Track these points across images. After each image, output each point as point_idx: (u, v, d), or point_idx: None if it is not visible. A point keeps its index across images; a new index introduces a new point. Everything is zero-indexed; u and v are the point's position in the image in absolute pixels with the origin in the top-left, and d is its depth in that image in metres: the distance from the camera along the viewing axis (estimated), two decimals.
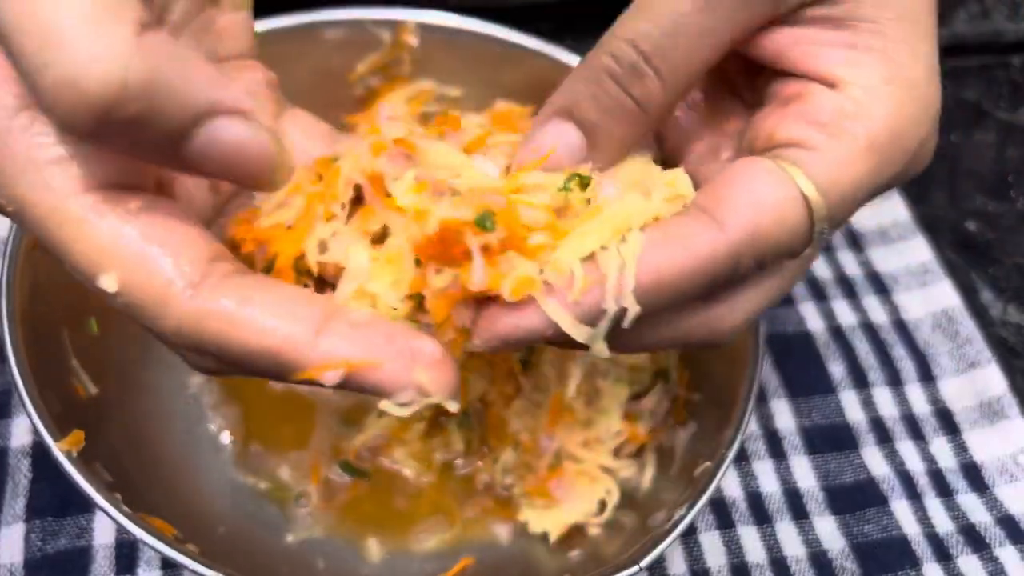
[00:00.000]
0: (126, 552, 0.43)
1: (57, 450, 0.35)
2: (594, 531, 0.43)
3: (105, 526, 0.44)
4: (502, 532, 0.45)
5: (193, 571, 0.34)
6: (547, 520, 0.43)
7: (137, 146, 0.24)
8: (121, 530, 0.44)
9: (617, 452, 0.45)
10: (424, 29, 0.48)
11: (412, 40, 0.48)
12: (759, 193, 0.29)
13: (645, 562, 0.36)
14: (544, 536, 0.43)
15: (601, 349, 0.29)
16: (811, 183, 0.29)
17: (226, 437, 0.46)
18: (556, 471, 0.44)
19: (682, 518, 0.37)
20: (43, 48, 0.22)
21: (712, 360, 0.45)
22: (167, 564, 0.43)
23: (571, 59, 0.48)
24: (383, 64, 0.49)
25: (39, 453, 0.45)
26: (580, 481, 0.44)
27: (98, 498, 0.35)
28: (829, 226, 0.30)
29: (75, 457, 0.35)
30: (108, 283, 0.26)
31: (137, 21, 0.23)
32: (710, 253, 0.28)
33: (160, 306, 0.26)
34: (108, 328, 0.42)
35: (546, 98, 0.32)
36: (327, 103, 0.42)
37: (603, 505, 0.44)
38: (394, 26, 0.48)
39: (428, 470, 0.46)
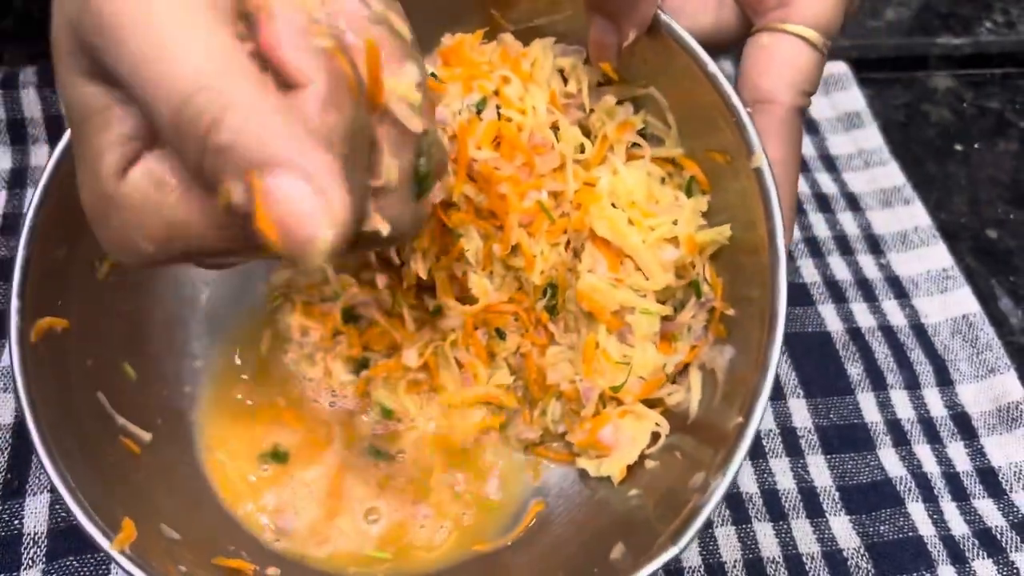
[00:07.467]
0: None
1: (117, 555, 0.34)
2: (651, 463, 0.43)
3: None
4: (566, 476, 0.45)
5: None
6: (605, 466, 0.43)
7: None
8: None
9: None
10: None
11: None
12: (781, 65, 0.40)
13: (683, 541, 0.35)
14: (606, 477, 0.43)
15: None
16: (804, 27, 0.39)
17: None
18: (602, 418, 0.43)
19: (719, 485, 0.36)
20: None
21: (739, 271, 0.42)
22: None
23: None
24: None
25: None
26: (627, 421, 0.43)
27: None
28: (828, 40, 0.40)
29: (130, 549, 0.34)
30: None
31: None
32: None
33: None
34: (145, 371, 0.42)
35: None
36: None
37: (656, 437, 0.43)
38: None
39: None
